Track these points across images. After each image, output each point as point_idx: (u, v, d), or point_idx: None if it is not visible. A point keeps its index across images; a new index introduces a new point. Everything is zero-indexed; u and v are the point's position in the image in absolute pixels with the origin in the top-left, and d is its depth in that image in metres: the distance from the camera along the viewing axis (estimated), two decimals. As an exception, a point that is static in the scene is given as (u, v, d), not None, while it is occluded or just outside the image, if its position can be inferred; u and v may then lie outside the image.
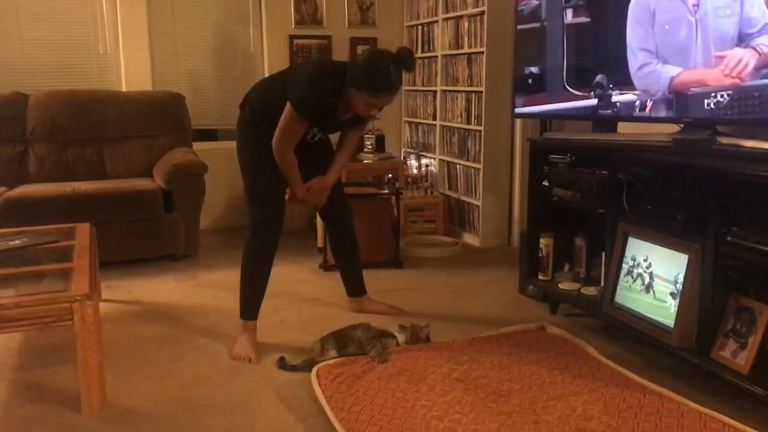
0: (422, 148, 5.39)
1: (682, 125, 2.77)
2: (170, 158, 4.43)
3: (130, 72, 4.98)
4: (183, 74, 5.15)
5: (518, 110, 3.47)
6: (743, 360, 2.29)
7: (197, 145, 4.91)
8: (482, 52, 4.44)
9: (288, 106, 2.71)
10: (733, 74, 2.42)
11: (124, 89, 4.97)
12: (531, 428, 2.06)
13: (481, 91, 4.49)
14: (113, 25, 4.92)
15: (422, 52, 5.32)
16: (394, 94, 2.72)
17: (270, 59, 5.28)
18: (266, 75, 5.28)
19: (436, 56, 5.07)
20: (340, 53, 5.40)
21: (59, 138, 4.59)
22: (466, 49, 4.67)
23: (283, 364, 2.70)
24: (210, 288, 3.75)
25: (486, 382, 2.39)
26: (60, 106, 4.60)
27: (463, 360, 2.57)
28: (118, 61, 4.97)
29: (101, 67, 4.97)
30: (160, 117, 4.78)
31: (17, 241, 2.98)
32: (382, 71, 2.64)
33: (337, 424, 2.15)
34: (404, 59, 2.67)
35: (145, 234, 4.15)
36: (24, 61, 4.78)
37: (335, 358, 2.65)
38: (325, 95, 2.70)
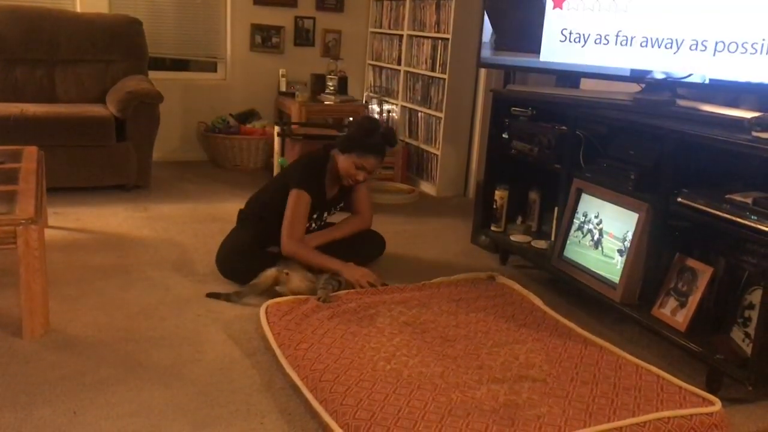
0: (385, 93, 5.33)
1: (644, 85, 2.80)
2: (124, 85, 4.28)
3: (86, -8, 4.76)
4: (141, -2, 4.94)
5: (484, 60, 3.44)
6: (682, 317, 2.37)
7: (153, 74, 4.74)
8: (451, -2, 4.38)
9: (291, 191, 2.84)
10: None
11: (78, 10, 4.74)
12: (474, 373, 2.10)
13: (448, 39, 4.44)
14: (68, -60, 4.67)
15: (391, -6, 5.21)
16: (381, 158, 2.96)
17: (233, -11, 5.10)
18: (228, 6, 5.11)
19: (405, -1, 4.97)
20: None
21: (7, 56, 4.38)
22: (435, -6, 4.60)
23: (216, 294, 2.73)
24: (160, 221, 3.69)
25: (433, 327, 2.42)
26: (7, 21, 4.37)
27: (412, 304, 2.60)
28: (72, -20, 4.74)
29: (54, -15, 4.73)
30: (116, 42, 4.59)
31: (-41, 161, 2.86)
32: (371, 132, 2.89)
33: (283, 361, 2.16)
34: (389, 135, 2.96)
35: (95, 162, 4.04)
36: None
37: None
38: (318, 173, 2.91)
